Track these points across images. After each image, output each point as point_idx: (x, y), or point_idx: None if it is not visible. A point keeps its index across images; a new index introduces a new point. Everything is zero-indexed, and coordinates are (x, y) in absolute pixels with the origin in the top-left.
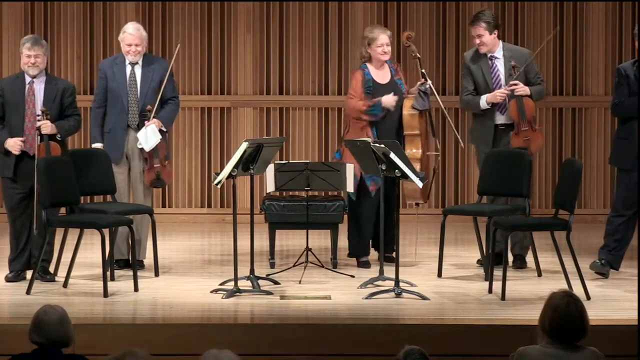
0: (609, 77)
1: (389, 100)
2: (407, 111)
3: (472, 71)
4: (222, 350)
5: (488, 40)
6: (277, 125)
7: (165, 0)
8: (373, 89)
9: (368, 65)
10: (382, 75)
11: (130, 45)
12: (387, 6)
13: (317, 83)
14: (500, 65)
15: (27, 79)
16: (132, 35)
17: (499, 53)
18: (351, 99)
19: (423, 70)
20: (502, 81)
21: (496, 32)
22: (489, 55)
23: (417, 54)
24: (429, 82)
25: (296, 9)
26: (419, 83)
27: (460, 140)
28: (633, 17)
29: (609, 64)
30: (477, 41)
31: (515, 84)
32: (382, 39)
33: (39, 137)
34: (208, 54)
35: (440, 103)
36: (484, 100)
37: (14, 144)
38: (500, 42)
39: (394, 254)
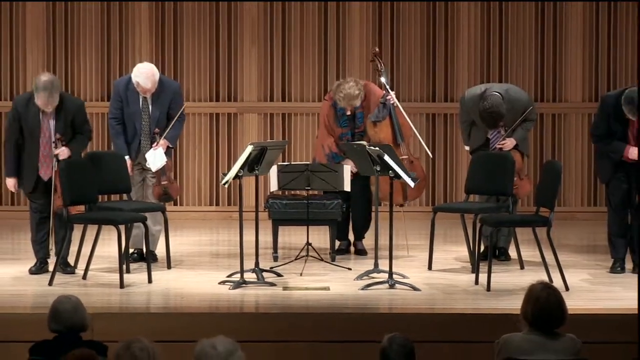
0: (586, 86)
1: (348, 166)
2: (367, 122)
3: (470, 113)
4: (216, 337)
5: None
6: (280, 129)
7: (177, 1)
8: (346, 123)
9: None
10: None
11: (145, 92)
12: (381, 22)
13: (317, 91)
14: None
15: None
16: (145, 87)
17: None
18: (321, 138)
19: (384, 81)
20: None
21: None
22: None
23: (381, 69)
24: (392, 93)
25: (297, 23)
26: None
27: (428, 152)
28: (609, 30)
29: (586, 73)
30: (495, 132)
31: (503, 144)
32: (347, 105)
33: (56, 162)
34: (216, 64)
35: (405, 115)
36: (467, 148)
37: (9, 186)
38: None
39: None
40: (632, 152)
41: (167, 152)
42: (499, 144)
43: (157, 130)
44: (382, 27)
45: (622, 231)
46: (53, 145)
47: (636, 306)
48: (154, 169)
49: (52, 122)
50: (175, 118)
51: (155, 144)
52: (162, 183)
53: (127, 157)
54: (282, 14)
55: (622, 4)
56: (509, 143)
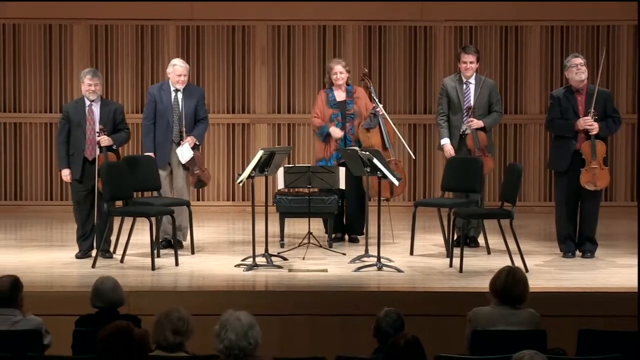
0: (542, 100)
1: (335, 131)
2: (359, 129)
3: (448, 91)
4: (241, 311)
5: (474, 67)
6: (286, 137)
7: (204, 13)
8: (336, 105)
9: (333, 88)
10: (339, 95)
11: (179, 75)
12: (370, 46)
13: None
14: (472, 90)
15: (87, 102)
16: (181, 67)
17: (472, 80)
18: (314, 118)
19: (374, 96)
20: (472, 102)
21: (478, 63)
22: (464, 80)
23: (370, 86)
24: (380, 106)
25: (300, 47)
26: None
27: (411, 154)
28: (561, 52)
29: (543, 90)
30: (467, 66)
31: (471, 120)
32: (336, 69)
33: (98, 149)
34: (233, 83)
35: (392, 124)
36: (443, 142)
37: (64, 176)
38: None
39: (357, 237)
40: (581, 123)
41: (196, 147)
42: (467, 123)
43: (183, 129)
44: (371, 50)
45: (569, 231)
46: (97, 134)
47: (583, 285)
48: (183, 162)
49: (96, 112)
50: (198, 105)
51: (183, 140)
52: (195, 172)
53: (151, 154)
54: (287, 39)
55: (573, 31)
56: (476, 122)
